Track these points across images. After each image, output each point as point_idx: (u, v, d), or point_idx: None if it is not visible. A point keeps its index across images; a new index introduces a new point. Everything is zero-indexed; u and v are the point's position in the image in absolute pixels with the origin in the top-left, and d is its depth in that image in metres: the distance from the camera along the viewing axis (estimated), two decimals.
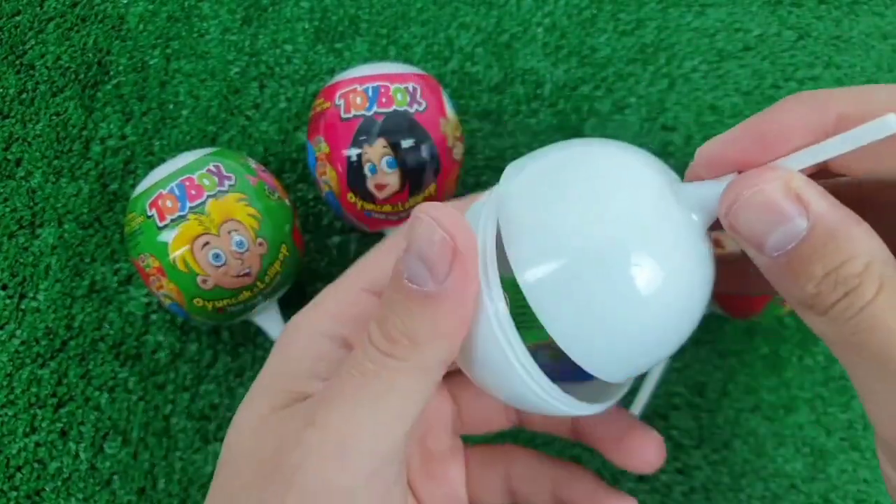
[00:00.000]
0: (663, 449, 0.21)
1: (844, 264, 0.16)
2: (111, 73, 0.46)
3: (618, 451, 0.21)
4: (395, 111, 0.35)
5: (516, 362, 0.19)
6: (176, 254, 0.32)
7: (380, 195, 0.35)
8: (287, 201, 0.36)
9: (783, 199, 0.16)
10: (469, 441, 0.30)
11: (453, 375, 0.24)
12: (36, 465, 0.38)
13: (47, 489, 0.38)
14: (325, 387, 0.20)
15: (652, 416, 0.38)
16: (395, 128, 0.35)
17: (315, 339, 0.22)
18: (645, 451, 0.21)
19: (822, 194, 0.16)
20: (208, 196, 0.33)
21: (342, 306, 0.22)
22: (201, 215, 0.32)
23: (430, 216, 0.18)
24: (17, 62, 0.46)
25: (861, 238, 0.16)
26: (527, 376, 0.19)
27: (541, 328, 0.18)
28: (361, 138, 0.35)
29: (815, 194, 0.16)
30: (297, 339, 0.23)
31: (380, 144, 0.34)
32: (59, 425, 0.39)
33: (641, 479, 0.37)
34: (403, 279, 0.18)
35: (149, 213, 0.33)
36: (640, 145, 0.21)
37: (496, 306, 0.19)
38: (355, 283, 0.24)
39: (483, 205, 0.20)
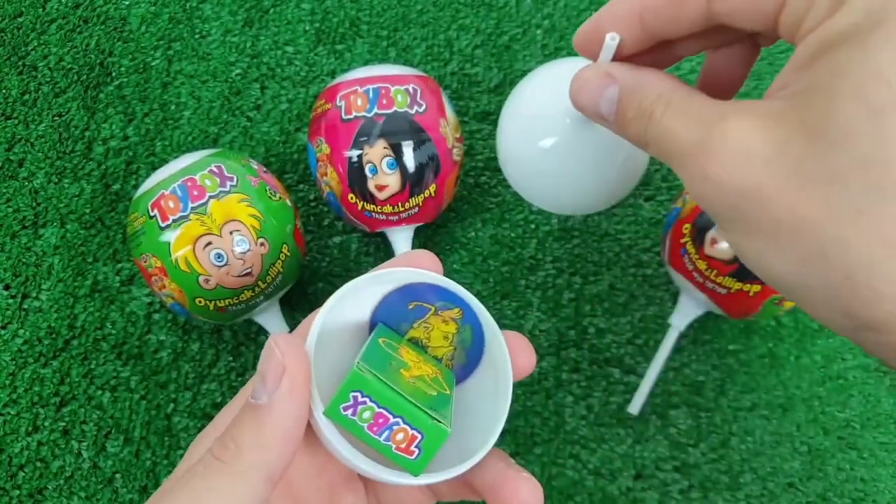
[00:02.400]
0: (538, 490, 0.22)
1: (641, 100, 0.22)
2: (113, 74, 0.46)
3: (496, 499, 0.22)
4: (395, 112, 0.35)
5: (343, 451, 0.21)
6: (178, 254, 0.33)
7: (380, 196, 0.36)
8: (288, 202, 0.36)
9: (598, 77, 0.24)
10: None
11: None
12: (38, 464, 0.38)
13: (50, 488, 0.38)
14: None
15: (650, 415, 0.38)
16: (396, 129, 0.35)
17: (199, 454, 0.23)
18: (518, 495, 0.22)
19: (625, 67, 0.24)
20: (210, 196, 0.33)
21: (229, 419, 0.23)
22: (203, 216, 0.33)
23: (274, 342, 0.21)
24: (20, 63, 0.46)
25: (652, 81, 0.22)
26: (354, 460, 0.21)
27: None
28: (362, 139, 0.35)
29: (619, 68, 0.24)
30: (191, 454, 0.24)
31: (380, 145, 0.35)
32: (62, 424, 0.39)
33: (639, 476, 0.37)
34: (248, 397, 0.21)
35: (151, 214, 0.33)
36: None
37: (318, 412, 0.21)
38: (243, 396, 0.25)
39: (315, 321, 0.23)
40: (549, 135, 0.38)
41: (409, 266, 0.24)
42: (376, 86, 0.35)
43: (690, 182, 0.21)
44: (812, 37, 0.19)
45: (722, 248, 0.34)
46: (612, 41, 0.24)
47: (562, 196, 0.41)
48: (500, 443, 0.38)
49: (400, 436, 0.21)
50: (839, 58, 0.18)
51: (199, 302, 0.34)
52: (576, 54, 0.46)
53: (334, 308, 0.23)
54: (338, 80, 0.37)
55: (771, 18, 0.20)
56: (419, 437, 0.21)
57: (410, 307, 0.24)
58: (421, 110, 0.35)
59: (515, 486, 0.22)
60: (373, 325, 0.25)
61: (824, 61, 0.18)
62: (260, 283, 0.34)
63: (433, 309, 0.24)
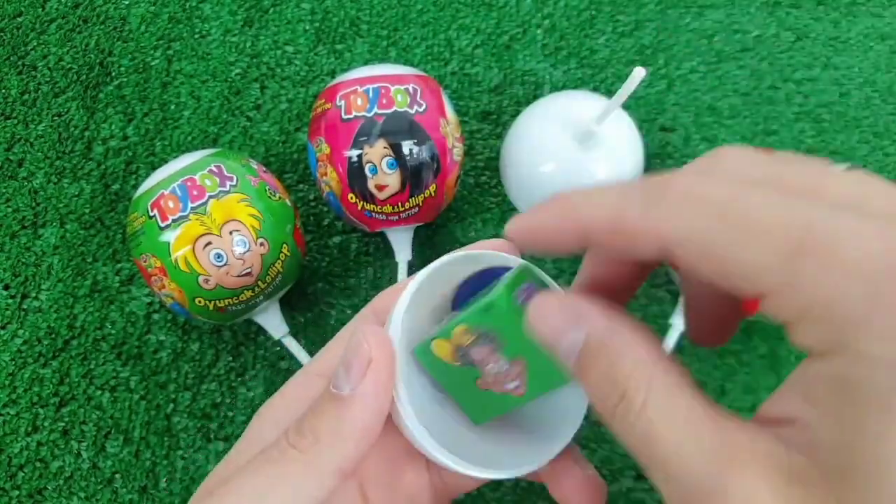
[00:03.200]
0: (603, 489, 0.22)
1: (613, 368, 0.17)
2: (113, 74, 0.46)
3: (559, 489, 0.23)
4: (395, 112, 0.35)
5: (427, 445, 0.21)
6: (178, 254, 0.33)
7: (380, 195, 0.36)
8: (288, 202, 0.36)
9: (562, 311, 0.18)
10: None
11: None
12: (38, 464, 0.38)
13: (49, 488, 0.38)
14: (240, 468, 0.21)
15: None
16: (396, 129, 0.35)
17: (267, 427, 0.22)
18: (581, 490, 0.22)
19: (597, 308, 0.18)
20: (210, 196, 0.33)
21: (297, 392, 0.22)
22: (203, 216, 0.33)
23: (363, 334, 0.20)
24: (20, 63, 0.46)
25: (628, 342, 0.17)
26: (435, 452, 0.21)
27: None
28: (362, 139, 0.35)
29: (591, 307, 0.18)
30: (254, 427, 0.24)
31: (380, 145, 0.35)
32: (61, 424, 0.39)
33: (640, 477, 0.37)
34: (330, 385, 0.20)
35: (151, 214, 0.33)
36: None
37: (400, 402, 0.21)
38: (311, 370, 0.24)
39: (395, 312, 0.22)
40: (550, 160, 0.38)
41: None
42: (376, 85, 0.35)
43: None
44: (824, 367, 0.15)
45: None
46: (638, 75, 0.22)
47: None
48: None
49: (512, 383, 0.20)
50: (871, 420, 0.14)
51: (199, 302, 0.34)
52: (576, 55, 0.46)
53: (415, 293, 0.22)
54: (338, 79, 0.37)
55: (744, 295, 0.17)
56: (524, 381, 0.20)
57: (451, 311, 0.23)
58: (421, 110, 0.35)
59: (581, 482, 0.22)
60: (454, 307, 0.24)
61: (850, 415, 0.14)
62: (259, 282, 0.34)
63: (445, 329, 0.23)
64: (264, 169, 0.37)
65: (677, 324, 0.38)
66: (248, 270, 0.33)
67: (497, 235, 0.42)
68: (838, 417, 0.15)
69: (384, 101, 0.35)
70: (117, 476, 0.38)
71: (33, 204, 0.43)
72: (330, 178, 0.36)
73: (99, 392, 0.39)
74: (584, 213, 0.19)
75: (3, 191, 0.43)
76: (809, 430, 0.15)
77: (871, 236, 0.14)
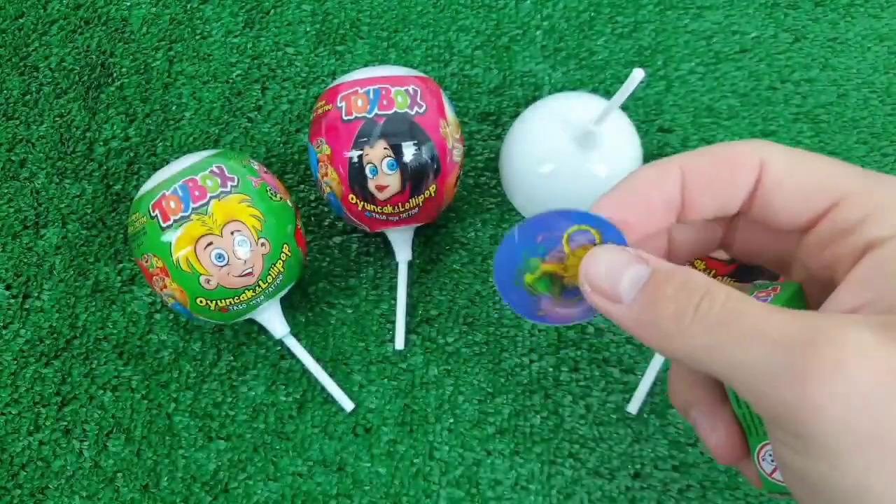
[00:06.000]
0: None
1: (682, 290, 0.18)
2: (114, 75, 0.46)
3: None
4: (395, 113, 0.35)
5: None
6: (179, 254, 0.33)
7: (381, 196, 0.36)
8: (289, 202, 0.37)
9: (625, 253, 0.20)
10: None
11: None
12: (40, 463, 0.38)
13: (51, 487, 0.38)
14: None
15: (649, 415, 0.39)
16: (396, 130, 0.35)
17: None
18: None
19: (655, 256, 0.20)
20: (211, 197, 0.33)
21: None
22: (204, 216, 0.33)
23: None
24: (21, 64, 0.47)
25: (694, 272, 0.18)
26: None
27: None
28: (362, 140, 0.35)
29: (649, 255, 0.20)
30: None
31: (381, 146, 0.35)
32: (63, 423, 0.39)
33: (638, 475, 0.38)
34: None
35: (152, 214, 0.33)
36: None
37: None
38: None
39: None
40: (549, 161, 0.39)
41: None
42: (377, 87, 0.35)
43: (782, 409, 0.16)
44: (888, 250, 0.17)
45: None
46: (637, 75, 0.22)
47: None
48: (500, 442, 0.38)
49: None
50: None
51: (201, 302, 0.34)
52: (575, 56, 0.46)
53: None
54: (338, 81, 0.37)
55: (815, 218, 0.19)
56: None
57: (539, 239, 0.22)
58: (421, 111, 0.36)
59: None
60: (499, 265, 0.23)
61: None
62: (261, 282, 0.34)
63: (566, 236, 0.22)
64: (265, 170, 0.37)
65: None
66: (250, 270, 0.34)
67: (497, 235, 0.42)
68: None
69: (384, 103, 0.35)
70: (119, 475, 0.38)
71: (35, 204, 0.43)
72: (331, 179, 0.36)
73: (101, 391, 0.39)
74: (684, 156, 0.21)
75: (6, 191, 0.44)
76: (877, 304, 0.17)
77: None
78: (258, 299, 0.35)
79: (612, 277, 0.19)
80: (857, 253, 0.18)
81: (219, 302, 0.34)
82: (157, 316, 0.41)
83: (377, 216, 0.37)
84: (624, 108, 0.44)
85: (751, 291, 0.22)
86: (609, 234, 0.21)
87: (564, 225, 0.21)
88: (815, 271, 0.20)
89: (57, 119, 0.45)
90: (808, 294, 0.21)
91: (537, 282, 0.22)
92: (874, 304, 0.17)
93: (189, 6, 0.48)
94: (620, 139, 0.39)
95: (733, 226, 0.23)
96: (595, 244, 0.21)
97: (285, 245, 0.35)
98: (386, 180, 0.35)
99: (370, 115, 0.35)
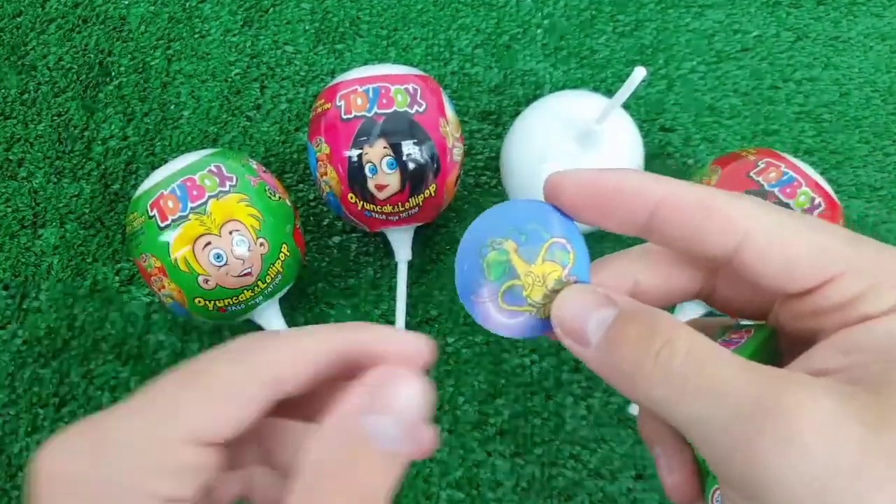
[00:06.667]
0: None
1: (654, 328, 0.18)
2: (113, 73, 0.46)
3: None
4: (395, 112, 0.35)
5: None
6: (177, 254, 0.33)
7: (380, 195, 0.36)
8: (288, 202, 0.36)
9: (592, 294, 0.20)
10: None
11: None
12: None
13: None
14: None
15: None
16: (396, 129, 0.35)
17: None
18: None
19: (625, 296, 0.19)
20: (210, 196, 0.33)
21: (171, 461, 0.19)
22: (203, 216, 0.33)
23: (415, 385, 0.19)
24: (19, 63, 0.46)
25: (661, 313, 0.18)
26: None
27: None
28: (362, 139, 0.35)
29: (618, 295, 0.19)
30: None
31: (380, 145, 0.35)
32: (62, 424, 0.39)
33: (639, 477, 0.37)
34: (376, 442, 0.18)
35: (150, 214, 0.33)
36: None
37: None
38: (175, 435, 0.19)
39: None
40: (550, 160, 0.38)
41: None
42: (376, 85, 0.35)
43: (734, 473, 0.16)
44: (885, 324, 0.17)
45: None
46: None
47: None
48: (501, 443, 0.38)
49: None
50: None
51: (199, 302, 0.34)
52: (576, 55, 0.46)
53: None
54: (337, 79, 0.37)
55: (802, 292, 0.18)
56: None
57: (527, 226, 0.22)
58: (421, 110, 0.35)
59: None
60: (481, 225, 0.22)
61: None
62: (259, 282, 0.34)
63: (547, 244, 0.21)
64: (264, 169, 0.37)
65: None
66: (248, 270, 0.33)
67: None
68: (887, 356, 0.16)
69: (384, 101, 0.35)
70: None
71: (33, 204, 0.43)
72: (330, 178, 0.36)
73: (99, 392, 0.39)
74: (665, 189, 0.19)
75: (3, 191, 0.43)
76: (851, 371, 0.17)
77: None
78: (257, 299, 0.35)
79: (581, 319, 0.19)
80: (849, 323, 0.18)
81: (217, 302, 0.34)
82: (156, 316, 0.40)
83: (377, 216, 0.37)
84: (625, 106, 0.44)
85: (721, 333, 0.22)
86: (580, 263, 0.21)
87: (554, 229, 0.21)
88: (795, 328, 0.20)
89: (55, 118, 0.45)
90: (783, 341, 0.20)
91: (497, 264, 0.22)
92: (847, 372, 0.17)
93: (188, 5, 0.47)
94: (622, 138, 0.39)
95: (712, 278, 0.22)
96: (565, 267, 0.21)
97: (284, 245, 0.35)
98: (385, 179, 0.35)
99: (370, 114, 0.35)
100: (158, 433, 0.18)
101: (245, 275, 0.33)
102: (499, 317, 0.22)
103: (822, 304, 0.18)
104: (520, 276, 0.22)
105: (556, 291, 0.21)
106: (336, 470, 0.18)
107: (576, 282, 0.21)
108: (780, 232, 0.18)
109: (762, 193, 0.33)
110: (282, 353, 0.20)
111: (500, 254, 0.22)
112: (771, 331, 0.21)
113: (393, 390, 0.19)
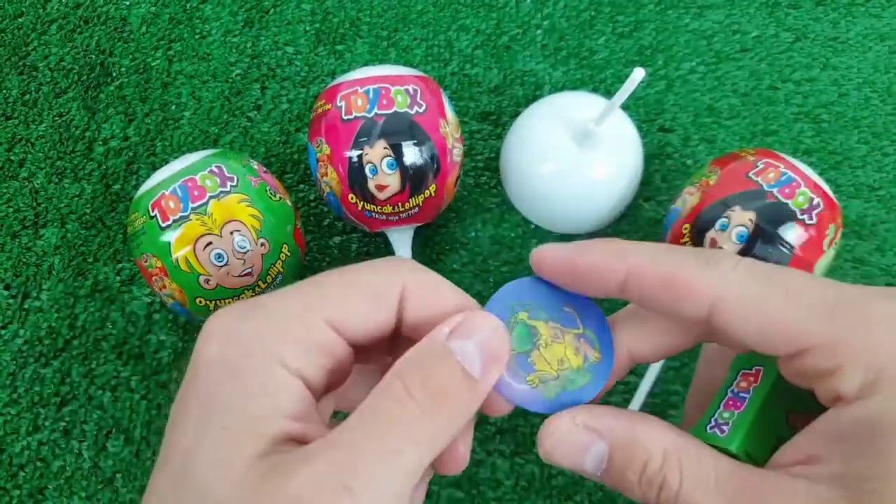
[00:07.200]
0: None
1: (647, 465, 0.19)
2: (114, 74, 0.46)
3: None
4: (395, 113, 0.35)
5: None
6: (178, 254, 0.33)
7: (380, 196, 0.36)
8: (288, 202, 0.37)
9: (577, 433, 0.20)
10: None
11: None
12: (39, 464, 0.38)
13: (50, 487, 0.38)
14: (347, 438, 0.18)
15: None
16: (396, 129, 0.35)
17: (278, 372, 0.19)
18: None
19: (608, 415, 0.20)
20: (210, 197, 0.33)
21: (308, 336, 0.19)
22: (204, 216, 0.33)
23: (496, 322, 0.20)
24: (20, 64, 0.47)
25: (651, 436, 0.19)
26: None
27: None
28: (362, 139, 0.35)
29: (602, 418, 0.20)
30: (258, 370, 0.19)
31: (380, 146, 0.35)
32: (62, 424, 0.39)
33: None
34: (456, 356, 0.19)
35: (151, 214, 0.33)
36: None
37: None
38: (319, 315, 0.20)
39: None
40: (550, 161, 0.38)
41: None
42: (376, 86, 0.35)
43: None
44: (856, 409, 0.17)
45: (721, 249, 0.34)
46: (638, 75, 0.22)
47: (567, 217, 0.41)
48: (501, 442, 0.38)
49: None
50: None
51: (200, 302, 0.34)
52: (576, 56, 0.46)
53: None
54: (338, 80, 0.37)
55: (782, 353, 0.19)
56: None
57: (565, 309, 0.22)
58: (421, 111, 0.36)
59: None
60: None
61: (882, 448, 0.17)
62: (260, 283, 0.34)
63: (581, 330, 0.22)
64: (265, 169, 0.37)
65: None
66: (249, 270, 0.34)
67: (497, 236, 0.42)
68: (868, 450, 0.17)
69: (384, 102, 0.35)
70: (118, 476, 0.38)
71: (34, 204, 0.43)
72: (330, 179, 0.36)
73: (100, 392, 0.39)
74: (636, 258, 0.20)
75: (4, 191, 0.44)
76: (836, 463, 0.17)
77: (893, 296, 0.18)
78: None
79: (577, 463, 0.20)
80: (829, 397, 0.18)
81: (218, 302, 0.34)
82: (157, 316, 0.41)
83: (377, 216, 0.37)
84: (624, 107, 0.44)
85: (736, 368, 0.22)
86: (605, 362, 0.22)
87: (588, 322, 0.22)
88: (793, 378, 0.20)
89: (56, 119, 0.45)
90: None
91: (522, 324, 0.22)
92: (832, 464, 0.17)
93: (188, 5, 0.47)
94: (621, 139, 0.39)
95: (707, 327, 0.22)
96: (578, 336, 0.22)
97: (285, 245, 0.35)
98: (386, 180, 0.35)
99: (370, 115, 0.35)
100: (305, 310, 0.20)
101: (246, 275, 0.33)
102: (505, 377, 0.22)
103: (804, 370, 0.18)
104: (540, 346, 0.22)
105: (562, 379, 0.22)
106: (414, 370, 0.19)
107: (588, 383, 0.22)
108: (752, 302, 0.18)
109: (761, 193, 0.33)
110: (410, 276, 0.21)
111: (529, 319, 0.22)
112: (776, 375, 0.21)
113: (476, 320, 0.20)
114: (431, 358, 0.19)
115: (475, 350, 0.19)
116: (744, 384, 0.22)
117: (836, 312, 0.18)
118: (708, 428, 0.21)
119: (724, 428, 0.21)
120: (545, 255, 0.22)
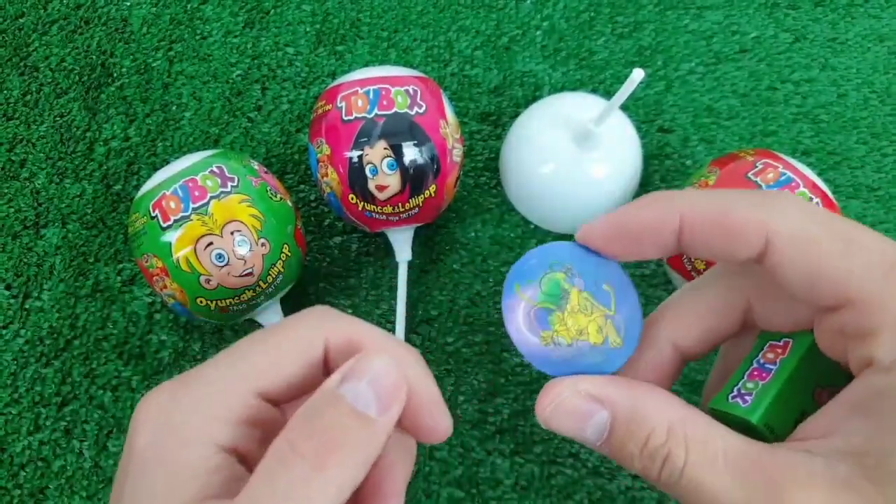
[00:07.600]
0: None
1: (649, 438, 0.18)
2: (115, 75, 0.46)
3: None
4: (395, 113, 0.35)
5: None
6: (179, 254, 0.33)
7: (381, 196, 0.36)
8: (289, 202, 0.37)
9: (579, 400, 0.20)
10: None
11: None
12: (40, 463, 0.38)
13: (51, 487, 0.38)
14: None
15: None
16: (396, 130, 0.35)
17: (207, 450, 0.19)
18: None
19: (612, 384, 0.20)
20: (211, 197, 0.33)
21: (238, 412, 0.19)
22: (204, 216, 0.33)
23: (389, 359, 0.19)
24: (22, 64, 0.47)
25: (656, 408, 0.19)
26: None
27: None
28: (362, 140, 0.35)
29: (607, 386, 0.20)
30: (188, 457, 0.19)
31: (381, 146, 0.35)
32: (63, 424, 0.39)
33: (638, 476, 0.38)
34: (347, 400, 0.18)
35: (152, 214, 0.33)
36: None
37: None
38: (247, 387, 0.20)
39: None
40: (549, 161, 0.39)
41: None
42: (377, 87, 0.36)
43: None
44: (889, 378, 0.16)
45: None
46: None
47: (566, 217, 0.41)
48: (500, 442, 0.38)
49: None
50: None
51: (201, 302, 0.34)
52: (575, 56, 0.46)
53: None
54: (338, 81, 0.37)
55: (823, 308, 0.18)
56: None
57: (604, 286, 0.22)
58: (421, 111, 0.36)
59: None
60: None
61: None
62: (261, 283, 0.34)
63: (612, 311, 0.22)
64: (265, 170, 0.37)
65: None
66: (250, 270, 0.34)
67: (497, 236, 0.42)
68: (891, 422, 0.16)
69: (384, 103, 0.35)
70: None
71: (35, 204, 0.43)
72: (331, 179, 0.36)
73: (101, 391, 0.39)
74: (686, 204, 0.19)
75: (6, 191, 0.44)
76: (859, 437, 0.16)
77: None
78: (258, 299, 0.35)
79: (578, 431, 0.20)
80: (861, 363, 0.17)
81: (219, 302, 0.34)
82: (158, 316, 0.41)
83: (377, 216, 0.37)
84: (624, 108, 0.44)
85: (760, 344, 0.22)
86: (624, 351, 0.21)
87: (622, 308, 0.22)
88: (829, 347, 0.19)
89: (57, 119, 0.45)
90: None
91: (554, 282, 0.22)
92: (854, 437, 0.17)
93: (189, 6, 0.48)
94: (620, 139, 0.39)
95: (749, 311, 0.21)
96: (607, 317, 0.21)
97: (285, 245, 0.35)
98: (386, 180, 0.35)
99: (370, 116, 0.35)
100: (233, 385, 0.19)
101: (246, 275, 0.34)
102: (524, 334, 0.21)
103: (842, 326, 0.18)
104: (563, 311, 0.21)
105: (574, 349, 0.21)
106: (301, 425, 0.18)
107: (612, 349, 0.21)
108: (807, 244, 0.18)
109: None
110: (331, 326, 0.20)
111: (565, 282, 0.22)
112: (811, 340, 0.20)
113: (367, 360, 0.19)
114: (320, 407, 0.19)
115: (368, 389, 0.19)
116: (770, 355, 0.21)
117: (891, 274, 0.17)
118: (730, 397, 0.21)
119: (748, 398, 0.20)
120: (593, 226, 0.21)
